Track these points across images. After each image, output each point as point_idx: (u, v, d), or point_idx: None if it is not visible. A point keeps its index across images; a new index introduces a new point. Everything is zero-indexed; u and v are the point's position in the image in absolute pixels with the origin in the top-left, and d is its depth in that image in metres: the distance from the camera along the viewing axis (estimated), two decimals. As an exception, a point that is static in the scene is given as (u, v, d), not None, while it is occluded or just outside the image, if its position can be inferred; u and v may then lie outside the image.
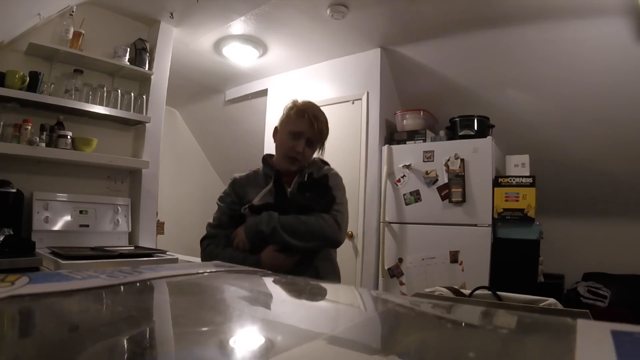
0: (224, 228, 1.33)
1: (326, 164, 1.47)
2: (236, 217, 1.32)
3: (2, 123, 2.09)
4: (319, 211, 1.26)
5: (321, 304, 0.63)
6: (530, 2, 2.29)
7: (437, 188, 2.64)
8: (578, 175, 2.92)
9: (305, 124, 1.34)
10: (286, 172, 1.36)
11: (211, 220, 1.38)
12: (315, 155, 1.46)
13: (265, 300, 0.62)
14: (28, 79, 2.14)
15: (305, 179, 1.31)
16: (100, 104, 2.41)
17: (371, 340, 0.44)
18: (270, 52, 3.24)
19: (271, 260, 1.22)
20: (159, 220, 2.90)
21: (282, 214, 1.23)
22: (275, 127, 1.45)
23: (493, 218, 2.44)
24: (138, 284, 0.53)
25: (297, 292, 0.68)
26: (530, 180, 2.41)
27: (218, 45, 3.12)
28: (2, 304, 0.38)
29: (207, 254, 1.31)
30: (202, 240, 1.36)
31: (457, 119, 2.77)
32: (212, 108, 4.39)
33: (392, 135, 3.01)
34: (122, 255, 1.99)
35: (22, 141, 2.11)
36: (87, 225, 2.35)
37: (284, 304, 0.60)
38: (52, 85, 2.27)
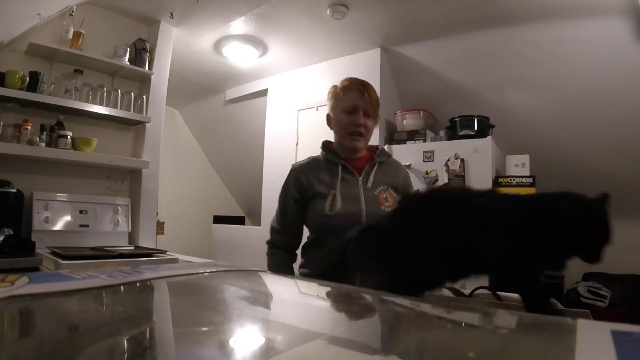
0: (293, 232, 1.28)
1: (386, 152, 1.39)
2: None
3: (2, 123, 2.09)
4: None
5: (321, 304, 0.63)
6: (530, 2, 2.29)
7: (437, 188, 2.64)
8: (578, 175, 2.92)
9: (356, 95, 1.28)
10: (352, 155, 1.30)
11: (275, 224, 1.31)
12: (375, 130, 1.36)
13: (265, 300, 0.62)
14: (28, 79, 2.14)
15: (376, 165, 1.28)
16: (100, 104, 2.41)
17: (371, 340, 0.44)
18: (270, 52, 3.24)
19: None
20: (159, 220, 2.90)
21: None
22: (327, 115, 1.36)
23: (493, 218, 2.43)
24: (138, 284, 0.53)
25: (299, 292, 0.68)
26: (530, 180, 2.41)
27: (218, 45, 3.12)
28: (2, 304, 0.38)
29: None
30: (272, 251, 1.29)
31: (457, 119, 2.77)
32: (212, 108, 4.39)
33: (392, 135, 3.00)
34: (122, 255, 1.99)
35: (22, 141, 2.11)
36: (87, 225, 2.35)
37: (284, 304, 0.60)
38: (52, 85, 2.26)
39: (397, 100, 3.27)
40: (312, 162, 1.32)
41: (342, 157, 1.29)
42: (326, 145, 1.34)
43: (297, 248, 1.32)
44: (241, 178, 4.71)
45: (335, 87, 1.35)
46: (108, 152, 2.47)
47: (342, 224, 1.11)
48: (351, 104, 1.26)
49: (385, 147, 2.89)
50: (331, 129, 1.35)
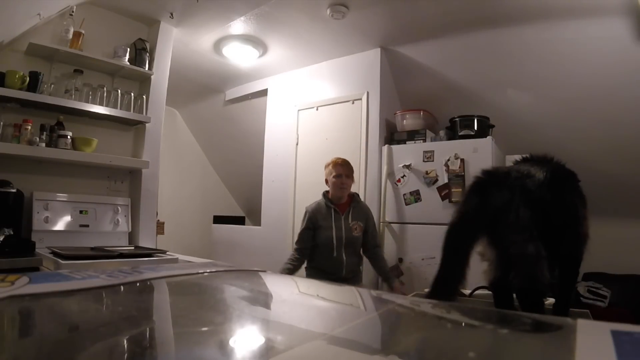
0: (307, 242, 2.29)
1: (359, 198, 2.46)
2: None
3: (2, 123, 2.09)
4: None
5: (321, 304, 0.63)
6: (530, 2, 2.29)
7: (437, 188, 2.64)
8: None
9: (340, 168, 2.32)
10: (339, 201, 2.32)
11: (298, 238, 2.30)
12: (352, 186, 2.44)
13: (265, 300, 0.62)
14: (28, 79, 2.14)
15: (352, 208, 2.32)
16: (100, 104, 2.41)
17: (371, 340, 0.44)
18: (270, 52, 3.24)
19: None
20: (159, 220, 2.90)
21: None
22: (325, 179, 2.37)
23: (493, 218, 2.43)
24: (138, 284, 0.53)
25: (299, 292, 0.68)
26: (530, 180, 2.40)
27: (218, 45, 3.12)
28: (2, 304, 0.38)
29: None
30: (296, 253, 2.27)
31: (457, 119, 2.77)
32: (212, 108, 4.39)
33: (392, 135, 3.00)
34: (122, 255, 1.99)
35: (22, 141, 2.11)
36: (87, 225, 2.35)
37: (284, 304, 0.60)
38: (52, 85, 2.26)
39: (397, 100, 3.27)
40: (317, 206, 2.32)
41: (334, 203, 2.31)
42: (325, 195, 2.36)
43: (308, 250, 2.29)
44: (241, 178, 4.71)
45: (329, 164, 2.36)
46: (108, 152, 2.47)
47: (331, 241, 2.24)
48: (338, 172, 2.30)
49: (385, 148, 2.89)
50: (328, 185, 2.36)
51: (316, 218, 2.27)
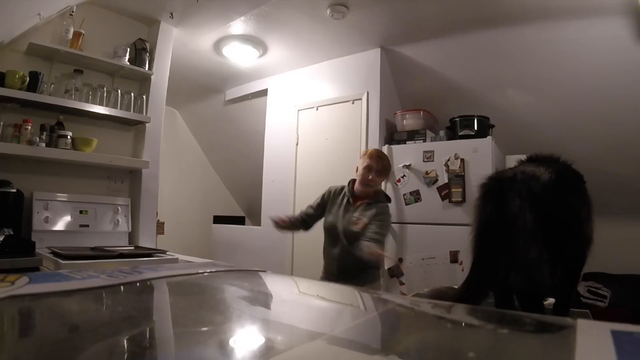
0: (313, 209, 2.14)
1: (388, 199, 2.12)
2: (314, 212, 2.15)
3: (2, 123, 2.09)
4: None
5: (321, 304, 0.63)
6: (530, 2, 2.29)
7: (437, 188, 2.64)
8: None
9: (374, 161, 2.02)
10: (360, 194, 2.03)
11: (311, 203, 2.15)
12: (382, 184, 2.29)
13: (265, 300, 0.62)
14: (28, 79, 2.14)
15: (364, 204, 2.00)
16: (100, 104, 2.41)
17: (371, 340, 0.44)
18: (270, 52, 3.24)
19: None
20: (159, 220, 2.90)
21: None
22: (357, 167, 2.10)
23: (493, 218, 2.43)
24: (138, 284, 0.53)
25: (299, 292, 0.68)
26: (530, 180, 2.40)
27: (218, 45, 3.12)
28: (2, 304, 0.38)
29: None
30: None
31: (457, 119, 2.77)
32: (212, 108, 4.39)
33: (392, 135, 3.00)
34: (122, 255, 1.99)
35: (22, 141, 2.11)
36: (87, 225, 2.35)
37: (284, 304, 0.60)
38: (52, 85, 2.26)
39: (397, 100, 3.27)
40: (339, 190, 2.11)
41: (355, 192, 2.04)
42: (351, 183, 2.09)
43: (309, 217, 2.14)
44: (241, 178, 4.71)
45: (365, 153, 2.11)
46: (108, 152, 2.47)
47: (330, 229, 2.03)
48: (368, 164, 2.02)
49: (385, 148, 2.90)
50: (356, 174, 2.09)
51: (329, 200, 2.12)
